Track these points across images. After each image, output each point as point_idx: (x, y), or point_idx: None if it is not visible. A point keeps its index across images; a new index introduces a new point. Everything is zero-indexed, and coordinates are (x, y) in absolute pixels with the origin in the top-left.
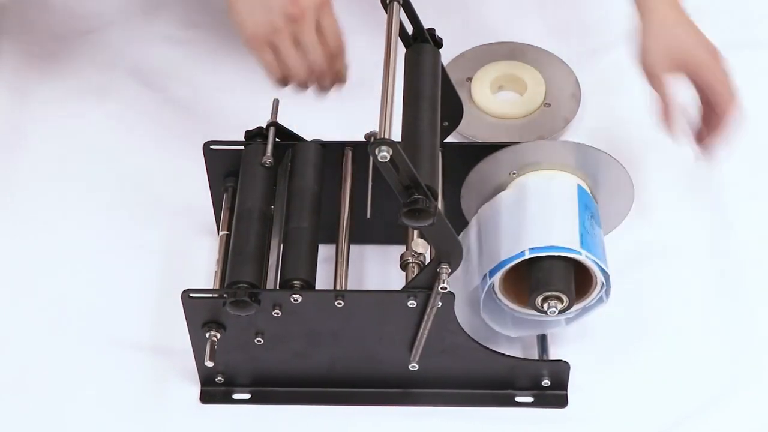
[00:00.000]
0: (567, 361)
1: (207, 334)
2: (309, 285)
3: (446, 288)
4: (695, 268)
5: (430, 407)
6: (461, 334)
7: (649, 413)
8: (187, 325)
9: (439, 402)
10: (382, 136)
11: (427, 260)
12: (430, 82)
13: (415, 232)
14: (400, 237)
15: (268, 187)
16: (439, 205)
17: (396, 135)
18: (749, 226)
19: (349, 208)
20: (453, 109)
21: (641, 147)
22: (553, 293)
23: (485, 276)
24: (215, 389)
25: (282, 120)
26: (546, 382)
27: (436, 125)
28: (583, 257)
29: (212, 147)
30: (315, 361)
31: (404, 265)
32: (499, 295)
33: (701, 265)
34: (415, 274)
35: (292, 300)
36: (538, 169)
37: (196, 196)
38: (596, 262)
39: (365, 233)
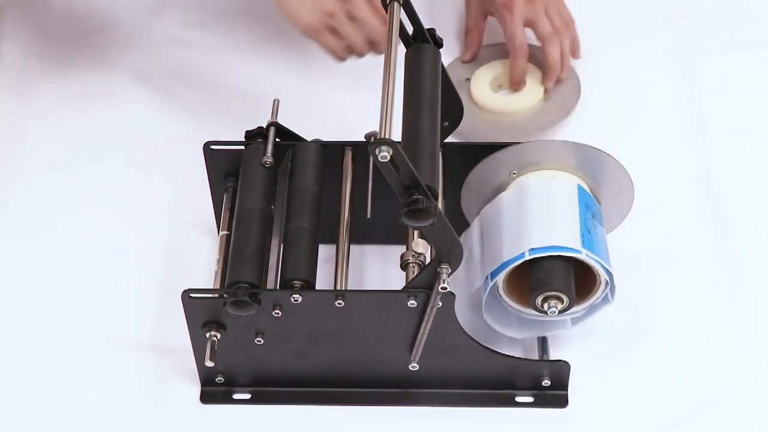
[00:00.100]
0: (567, 361)
1: (207, 334)
2: (309, 285)
3: (446, 288)
4: (695, 268)
5: (430, 407)
6: (461, 334)
7: (649, 413)
8: (188, 325)
9: (440, 402)
10: (383, 136)
11: (428, 260)
12: (430, 82)
13: (416, 232)
14: (400, 237)
15: (268, 187)
16: (440, 205)
17: (396, 135)
18: (749, 226)
19: (349, 208)
20: (453, 109)
21: (641, 146)
22: (553, 293)
23: (488, 277)
24: (215, 389)
25: (282, 120)
26: (546, 382)
27: (436, 125)
28: (585, 256)
29: (212, 147)
30: (315, 361)
31: (404, 265)
32: (504, 296)
33: (701, 265)
34: (415, 274)
35: (292, 300)
36: (538, 169)
37: (196, 196)
38: (599, 261)
39: (365, 233)
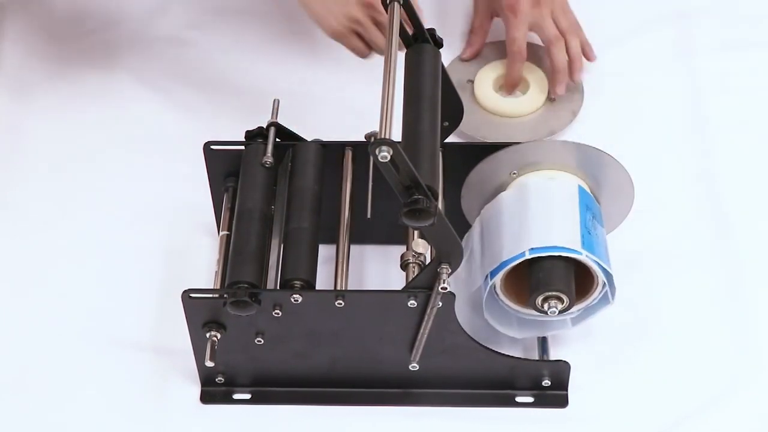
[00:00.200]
0: (567, 361)
1: (207, 334)
2: (309, 285)
3: (446, 288)
4: (695, 268)
5: (430, 407)
6: (461, 334)
7: (649, 413)
8: (188, 325)
9: (440, 402)
10: (383, 136)
11: (428, 260)
12: (430, 83)
13: (416, 232)
14: (400, 237)
15: (268, 187)
16: (440, 205)
17: (396, 135)
18: (749, 226)
19: (349, 208)
20: (453, 109)
21: (641, 146)
22: (554, 293)
23: (487, 276)
24: (216, 389)
25: (282, 120)
26: (546, 382)
27: (436, 125)
28: (584, 257)
29: (212, 147)
30: (315, 361)
31: (404, 265)
32: (501, 296)
33: (701, 265)
34: (415, 274)
35: (292, 300)
36: (538, 169)
37: (196, 196)
38: (598, 262)
39: (365, 233)
